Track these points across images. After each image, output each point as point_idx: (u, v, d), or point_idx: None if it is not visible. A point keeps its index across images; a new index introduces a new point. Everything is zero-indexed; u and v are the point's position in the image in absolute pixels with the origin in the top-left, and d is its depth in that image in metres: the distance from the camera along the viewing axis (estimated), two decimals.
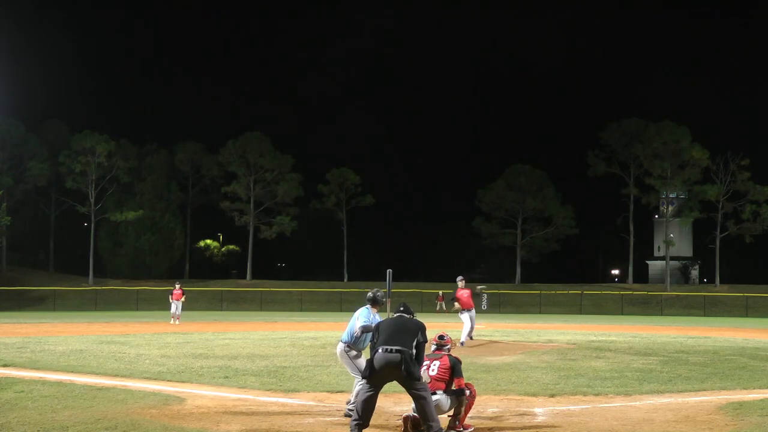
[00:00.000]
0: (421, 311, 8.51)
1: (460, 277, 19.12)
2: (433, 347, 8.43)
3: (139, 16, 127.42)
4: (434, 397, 7.81)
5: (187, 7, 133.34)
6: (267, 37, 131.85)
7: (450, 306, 19.58)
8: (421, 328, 7.87)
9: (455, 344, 8.88)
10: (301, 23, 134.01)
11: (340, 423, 8.35)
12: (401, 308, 8.30)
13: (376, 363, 7.58)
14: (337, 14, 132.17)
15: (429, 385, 7.84)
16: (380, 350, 7.61)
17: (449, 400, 8.03)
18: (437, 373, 8.06)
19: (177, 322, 30.00)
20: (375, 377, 7.62)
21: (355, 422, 7.58)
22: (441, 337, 8.55)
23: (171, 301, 31.22)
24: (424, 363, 8.08)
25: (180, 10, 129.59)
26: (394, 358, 7.52)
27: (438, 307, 51.93)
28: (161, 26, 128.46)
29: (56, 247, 74.09)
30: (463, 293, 18.74)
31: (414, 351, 7.66)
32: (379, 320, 8.32)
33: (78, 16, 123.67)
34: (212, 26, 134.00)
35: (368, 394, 7.62)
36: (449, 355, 8.27)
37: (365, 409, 7.59)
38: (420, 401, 7.53)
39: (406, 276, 77.10)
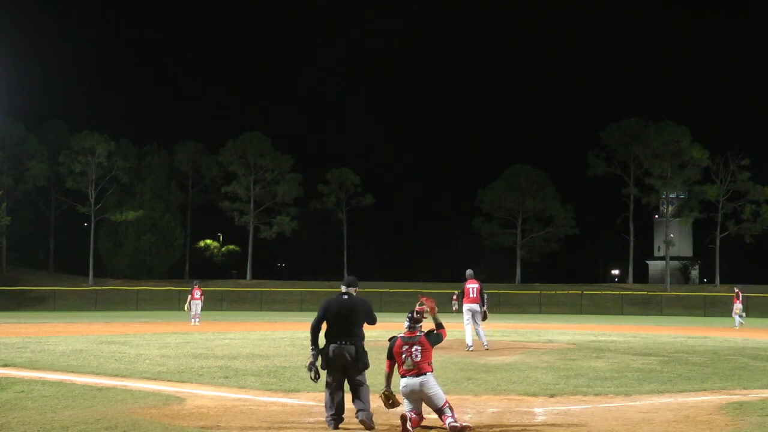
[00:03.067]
0: None
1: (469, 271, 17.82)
2: (406, 324, 8.25)
3: (139, 16, 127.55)
4: (422, 379, 7.92)
5: (187, 6, 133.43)
6: (267, 36, 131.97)
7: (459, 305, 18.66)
8: (368, 309, 8.11)
9: (430, 314, 8.63)
10: (301, 23, 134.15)
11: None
12: (348, 283, 8.21)
13: (332, 354, 7.90)
14: (337, 14, 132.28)
15: (416, 370, 7.94)
16: (334, 344, 7.89)
17: (436, 381, 8.10)
18: (422, 358, 8.06)
19: (197, 322, 29.54)
20: (332, 368, 7.95)
21: (331, 416, 7.88)
22: (415, 315, 8.30)
23: (191, 300, 30.31)
24: (403, 348, 8.07)
25: (180, 10, 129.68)
26: (349, 350, 7.87)
27: (454, 307, 50.20)
28: (161, 26, 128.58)
29: (56, 247, 74.11)
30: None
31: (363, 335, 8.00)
32: (326, 301, 8.19)
33: (78, 16, 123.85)
34: (212, 26, 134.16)
35: (338, 391, 7.91)
36: (425, 334, 8.19)
37: (339, 403, 7.90)
38: (360, 388, 7.89)
39: (406, 276, 77.12)
